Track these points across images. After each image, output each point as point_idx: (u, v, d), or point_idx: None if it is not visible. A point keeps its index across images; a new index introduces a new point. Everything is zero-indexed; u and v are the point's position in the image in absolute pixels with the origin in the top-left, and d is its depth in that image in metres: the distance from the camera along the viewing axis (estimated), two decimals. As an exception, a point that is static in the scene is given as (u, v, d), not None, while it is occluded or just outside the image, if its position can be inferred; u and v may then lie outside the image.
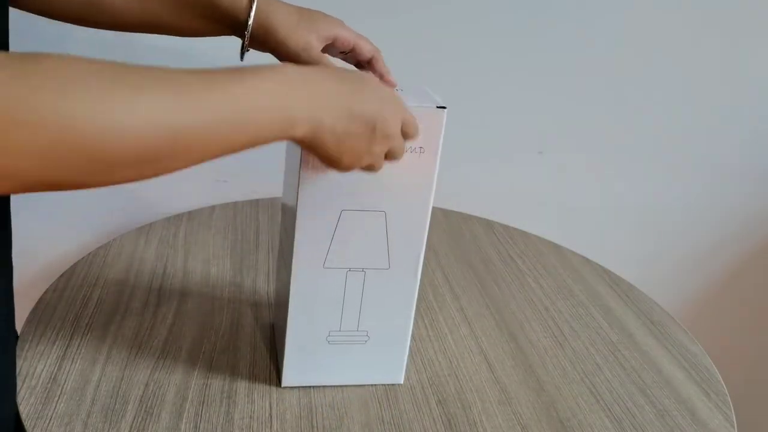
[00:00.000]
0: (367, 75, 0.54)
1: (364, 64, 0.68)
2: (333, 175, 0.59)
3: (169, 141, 0.39)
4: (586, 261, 1.02)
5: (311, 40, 0.62)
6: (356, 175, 0.57)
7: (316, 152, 0.50)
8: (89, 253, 0.89)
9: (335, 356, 0.68)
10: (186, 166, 0.42)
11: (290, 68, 0.47)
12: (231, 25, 0.63)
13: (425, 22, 1.06)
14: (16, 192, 0.37)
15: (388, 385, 0.71)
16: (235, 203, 1.08)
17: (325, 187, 0.60)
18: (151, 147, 0.39)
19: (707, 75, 1.15)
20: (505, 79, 1.12)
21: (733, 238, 1.30)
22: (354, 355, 0.68)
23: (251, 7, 0.61)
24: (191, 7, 0.63)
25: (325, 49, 0.65)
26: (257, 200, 1.10)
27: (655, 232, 1.28)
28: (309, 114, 0.47)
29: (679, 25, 1.11)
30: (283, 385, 0.68)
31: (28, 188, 0.36)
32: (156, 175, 0.41)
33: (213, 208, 1.06)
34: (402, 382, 0.71)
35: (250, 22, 0.61)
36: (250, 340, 0.75)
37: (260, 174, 1.12)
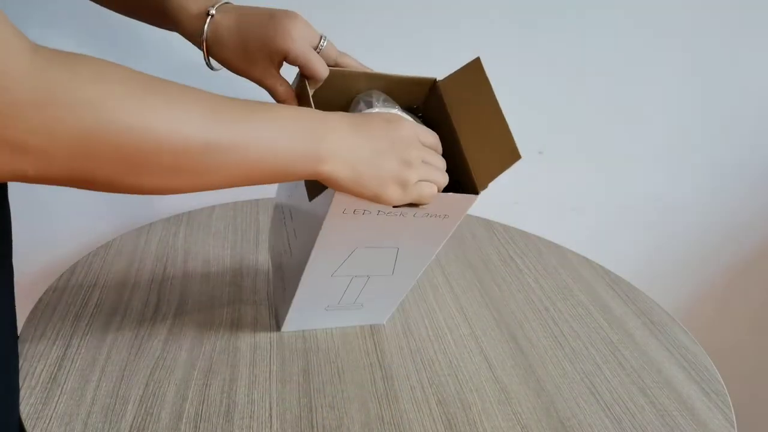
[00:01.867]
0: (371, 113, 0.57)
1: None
2: (350, 232, 0.60)
3: (198, 153, 0.41)
4: (586, 261, 1.02)
5: (256, 64, 0.59)
6: (372, 231, 0.59)
7: (357, 190, 0.52)
8: (89, 253, 0.89)
9: (331, 317, 0.76)
10: (210, 187, 0.44)
11: (311, 111, 0.50)
12: (185, 34, 0.61)
13: (424, 21, 1.06)
14: (47, 180, 0.37)
15: (388, 385, 0.71)
16: (235, 203, 1.08)
17: (344, 235, 0.60)
18: (179, 155, 0.40)
19: (707, 75, 1.15)
20: (504, 79, 1.12)
21: (733, 238, 1.30)
22: (348, 315, 0.76)
23: (205, 22, 0.59)
24: (154, 13, 0.63)
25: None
26: (257, 200, 1.10)
27: (655, 232, 1.28)
28: (335, 150, 0.50)
29: (679, 25, 1.11)
30: (282, 330, 0.76)
31: (57, 176, 0.37)
32: (179, 188, 0.42)
33: (213, 208, 1.06)
34: (383, 323, 0.80)
35: (204, 36, 0.59)
36: (250, 340, 0.75)
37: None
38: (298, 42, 0.58)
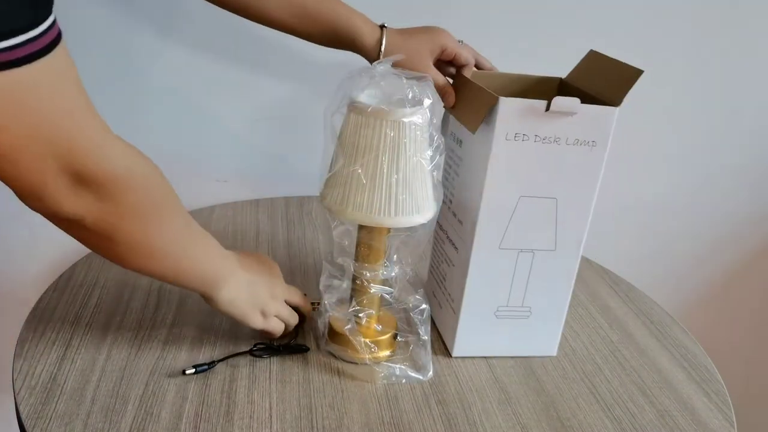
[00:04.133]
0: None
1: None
2: (514, 166, 0.67)
3: (164, 256, 0.62)
4: (586, 261, 1.02)
5: (423, 60, 0.78)
6: (533, 166, 0.67)
7: (228, 309, 0.67)
8: (89, 253, 0.89)
9: (500, 329, 0.75)
10: (158, 272, 0.63)
11: (219, 253, 0.67)
12: (362, 54, 0.80)
13: (424, 20, 1.06)
14: (101, 229, 0.57)
15: (388, 385, 0.71)
16: (235, 203, 1.08)
17: (509, 172, 0.67)
18: (156, 254, 0.62)
19: (707, 75, 1.15)
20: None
21: (733, 238, 1.30)
22: (516, 328, 0.75)
23: (380, 49, 0.78)
24: (329, 35, 0.78)
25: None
26: (257, 200, 1.10)
27: (655, 232, 1.28)
28: (228, 281, 0.67)
29: (680, 24, 1.11)
30: (454, 356, 0.76)
31: (107, 225, 0.57)
32: (142, 269, 0.63)
33: (213, 208, 1.06)
34: (555, 354, 0.78)
35: (382, 56, 0.77)
36: (250, 340, 0.75)
37: (260, 174, 1.12)
38: (451, 39, 0.79)
